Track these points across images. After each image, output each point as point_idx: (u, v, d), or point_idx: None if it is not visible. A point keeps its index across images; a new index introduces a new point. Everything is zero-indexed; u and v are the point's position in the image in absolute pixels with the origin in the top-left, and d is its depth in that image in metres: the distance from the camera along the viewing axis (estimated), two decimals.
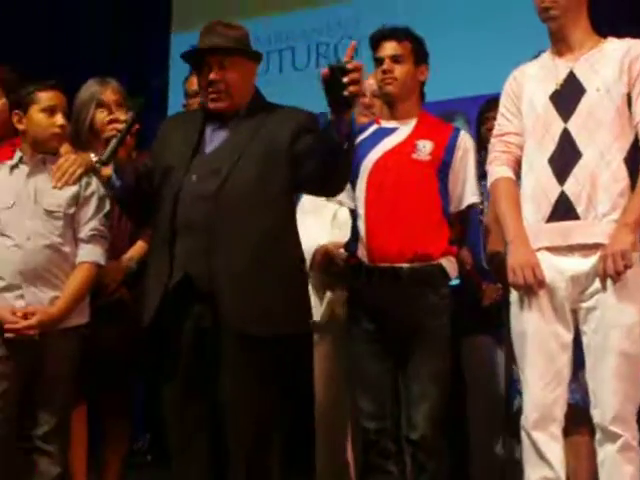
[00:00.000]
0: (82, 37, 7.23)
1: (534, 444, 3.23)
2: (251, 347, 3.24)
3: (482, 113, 4.58)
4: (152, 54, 7.17)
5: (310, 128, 3.40)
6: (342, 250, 4.00)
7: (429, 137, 3.79)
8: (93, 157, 3.89)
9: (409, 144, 3.78)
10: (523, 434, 3.27)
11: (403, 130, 3.83)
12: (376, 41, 3.87)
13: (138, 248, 3.95)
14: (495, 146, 3.46)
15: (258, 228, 3.28)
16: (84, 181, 3.76)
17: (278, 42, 6.79)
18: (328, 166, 3.22)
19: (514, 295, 3.32)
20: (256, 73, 3.55)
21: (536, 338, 3.24)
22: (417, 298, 3.68)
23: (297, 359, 3.43)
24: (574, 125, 3.25)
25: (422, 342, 3.65)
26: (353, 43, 3.14)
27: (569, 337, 3.25)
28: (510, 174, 3.40)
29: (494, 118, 3.59)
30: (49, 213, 3.67)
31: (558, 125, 3.27)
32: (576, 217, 3.20)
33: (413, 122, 3.84)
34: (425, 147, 3.77)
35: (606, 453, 3.17)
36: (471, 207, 3.90)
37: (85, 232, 3.72)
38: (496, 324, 4.03)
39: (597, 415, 3.19)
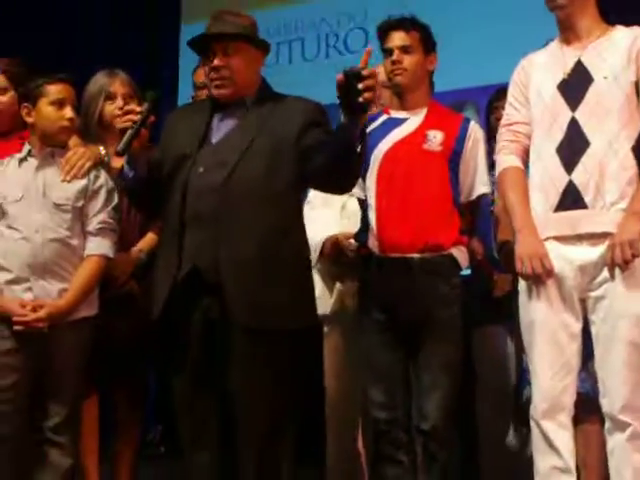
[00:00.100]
0: (93, 30, 7.24)
1: (543, 433, 3.23)
2: (258, 339, 3.24)
3: (491, 102, 4.57)
4: (163, 45, 7.18)
5: (319, 121, 3.40)
6: (352, 241, 4.00)
7: (439, 127, 3.79)
8: (102, 150, 3.90)
9: (420, 134, 3.78)
10: (532, 423, 3.28)
11: (413, 120, 3.82)
12: (384, 31, 3.85)
13: (148, 240, 3.95)
14: (503, 135, 3.46)
15: (264, 220, 3.28)
16: (92, 174, 3.76)
17: (288, 33, 6.79)
18: (339, 166, 3.22)
19: (522, 285, 3.32)
20: (263, 63, 3.53)
21: (544, 328, 3.24)
22: (428, 288, 3.67)
23: (306, 351, 3.42)
24: (582, 114, 3.24)
25: (433, 332, 3.65)
26: (369, 49, 3.13)
27: (578, 326, 3.25)
28: (518, 163, 3.40)
29: (503, 108, 3.58)
30: (57, 206, 3.68)
31: (566, 114, 3.26)
32: (584, 206, 3.20)
33: (423, 112, 3.84)
34: (436, 137, 3.76)
35: (615, 442, 3.17)
36: (481, 197, 3.89)
37: (93, 225, 3.72)
38: (507, 314, 4.02)
39: (606, 404, 3.19)
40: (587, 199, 3.19)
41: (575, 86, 3.28)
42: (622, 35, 3.31)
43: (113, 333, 3.79)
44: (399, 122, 3.84)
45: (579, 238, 3.21)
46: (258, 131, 3.37)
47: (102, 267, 3.72)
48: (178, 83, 6.76)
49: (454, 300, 3.72)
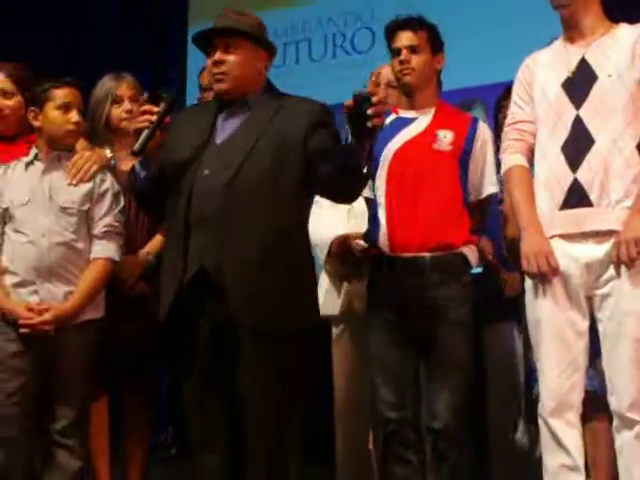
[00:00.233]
0: (100, 32, 7.25)
1: (551, 431, 3.24)
2: (262, 340, 3.24)
3: (499, 101, 4.55)
4: (170, 47, 7.19)
5: (325, 121, 3.40)
6: (360, 241, 4.00)
7: (449, 127, 3.78)
8: (108, 153, 3.91)
9: (429, 134, 3.78)
10: (540, 421, 3.28)
11: (422, 120, 3.82)
12: (391, 31, 3.84)
13: (156, 242, 3.95)
14: (508, 134, 3.46)
15: (268, 221, 3.27)
16: (98, 178, 3.77)
17: (295, 34, 6.79)
18: (344, 184, 3.27)
19: (528, 283, 3.33)
20: (268, 63, 3.52)
21: (551, 326, 3.24)
22: (440, 287, 3.67)
23: (311, 351, 3.42)
24: (586, 112, 3.24)
25: (445, 331, 3.65)
26: (376, 72, 3.12)
27: (585, 324, 3.25)
28: (523, 162, 3.41)
29: None
30: (63, 210, 3.69)
31: (570, 112, 3.26)
32: (589, 204, 3.20)
33: (432, 112, 3.83)
34: (446, 137, 3.76)
35: (623, 439, 3.17)
36: (490, 197, 3.89)
37: (99, 228, 3.73)
38: (516, 311, 4.02)
39: (614, 402, 3.19)
40: (592, 197, 3.20)
41: (579, 84, 3.28)
42: (626, 33, 3.30)
43: (122, 335, 3.81)
44: (408, 122, 3.83)
45: (584, 236, 3.22)
46: (263, 131, 3.36)
47: (108, 270, 3.73)
48: (186, 85, 6.76)
49: (466, 299, 3.71)
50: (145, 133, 3.32)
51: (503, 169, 3.46)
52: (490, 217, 4.04)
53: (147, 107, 3.39)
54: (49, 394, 3.64)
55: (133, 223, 3.97)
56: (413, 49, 3.78)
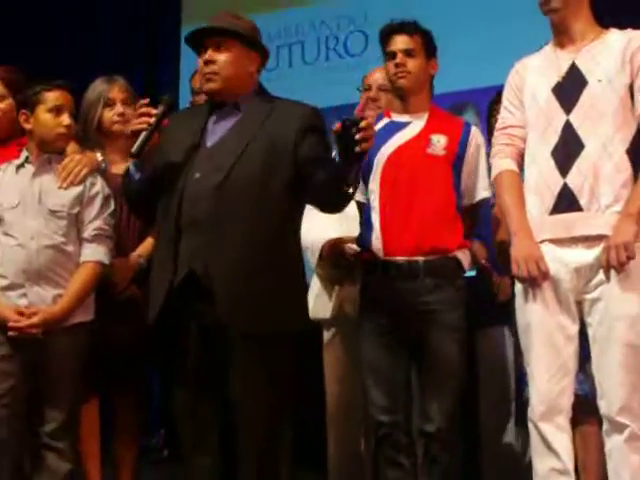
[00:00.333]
0: (93, 33, 7.24)
1: (541, 435, 3.24)
2: (254, 344, 3.24)
3: (492, 105, 4.56)
4: (163, 49, 7.18)
5: (315, 125, 3.41)
6: (353, 244, 4.00)
7: (442, 131, 3.79)
8: (99, 157, 3.91)
9: (423, 138, 3.78)
10: (530, 425, 3.29)
11: (416, 124, 3.82)
12: (386, 35, 3.84)
13: (147, 245, 3.95)
14: (498, 139, 3.47)
15: (258, 225, 3.27)
16: (89, 181, 3.77)
17: (288, 36, 6.76)
18: (330, 199, 3.32)
19: (518, 287, 3.34)
20: (260, 66, 3.52)
21: (541, 330, 3.25)
22: (433, 291, 3.67)
23: (301, 354, 3.41)
24: (576, 117, 3.25)
25: (438, 334, 3.65)
26: (366, 97, 3.13)
27: (574, 329, 3.25)
28: (513, 167, 3.41)
29: None
30: (53, 213, 3.69)
31: (560, 117, 3.27)
32: (579, 209, 3.21)
33: (425, 116, 3.83)
34: (439, 142, 3.76)
35: (613, 443, 3.18)
36: (482, 202, 3.90)
37: (89, 232, 3.73)
38: (509, 316, 4.03)
39: (604, 406, 3.19)
40: (582, 202, 3.20)
41: (569, 89, 3.28)
42: (616, 38, 3.31)
43: (114, 338, 3.80)
44: (401, 126, 3.83)
45: (574, 241, 3.22)
46: (254, 135, 3.36)
47: (97, 273, 3.73)
48: (179, 87, 6.75)
49: (459, 302, 3.72)
50: (143, 135, 3.32)
51: (493, 174, 3.46)
52: (483, 221, 4.05)
53: (145, 109, 3.39)
54: (39, 397, 3.64)
55: (124, 226, 3.97)
56: (408, 53, 3.79)
